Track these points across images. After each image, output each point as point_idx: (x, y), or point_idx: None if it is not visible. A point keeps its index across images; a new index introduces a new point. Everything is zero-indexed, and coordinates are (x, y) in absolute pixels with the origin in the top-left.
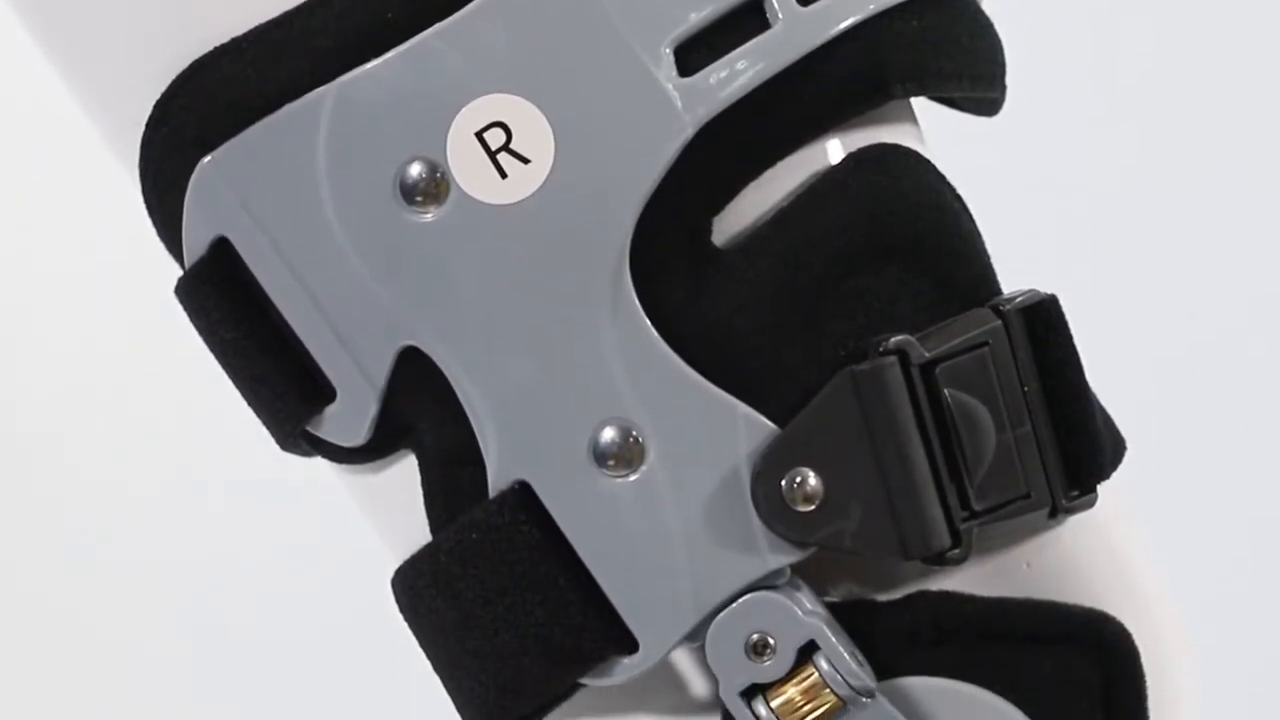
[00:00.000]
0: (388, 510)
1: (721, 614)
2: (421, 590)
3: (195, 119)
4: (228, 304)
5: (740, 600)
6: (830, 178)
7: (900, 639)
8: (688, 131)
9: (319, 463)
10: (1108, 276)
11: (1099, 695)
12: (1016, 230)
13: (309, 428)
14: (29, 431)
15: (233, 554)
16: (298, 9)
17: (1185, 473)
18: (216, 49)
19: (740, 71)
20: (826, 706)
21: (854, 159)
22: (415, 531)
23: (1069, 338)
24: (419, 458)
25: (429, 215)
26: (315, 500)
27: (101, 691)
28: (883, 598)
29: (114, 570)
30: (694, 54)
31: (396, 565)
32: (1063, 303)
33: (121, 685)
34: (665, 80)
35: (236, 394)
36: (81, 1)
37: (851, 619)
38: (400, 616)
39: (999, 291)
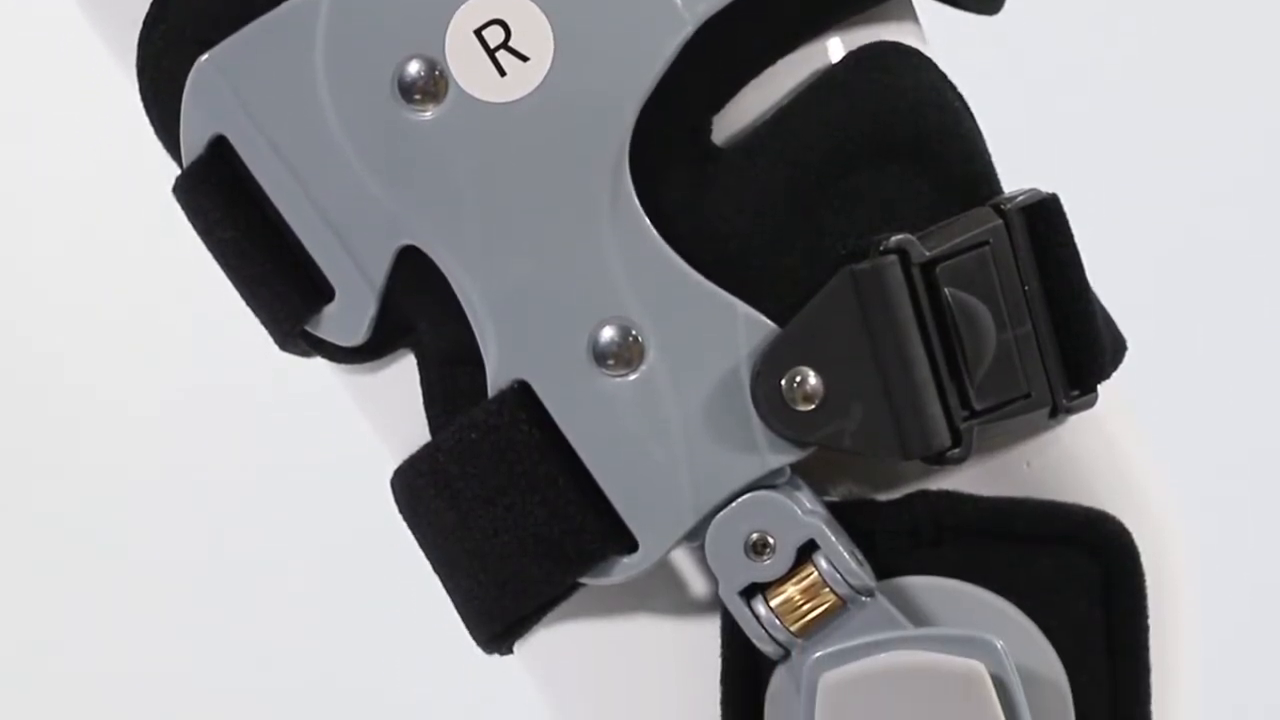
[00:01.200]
0: (386, 410)
1: (721, 513)
2: (420, 490)
3: (193, 16)
4: (226, 203)
5: (740, 500)
6: (831, 76)
7: (900, 538)
8: (687, 29)
9: (319, 366)
10: (1108, 175)
11: (1099, 594)
12: (1016, 129)
13: (308, 327)
14: (30, 347)
15: (233, 469)
16: None
17: (1187, 371)
18: None
19: None
20: (826, 605)
21: (855, 57)
22: (414, 431)
23: (1070, 237)
24: (418, 357)
25: (428, 114)
26: (315, 408)
27: (105, 599)
28: (883, 497)
29: (113, 486)
30: None
31: (395, 466)
32: (1064, 202)
33: (122, 593)
34: None
35: (236, 298)
36: None
37: (851, 518)
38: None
39: (1000, 191)
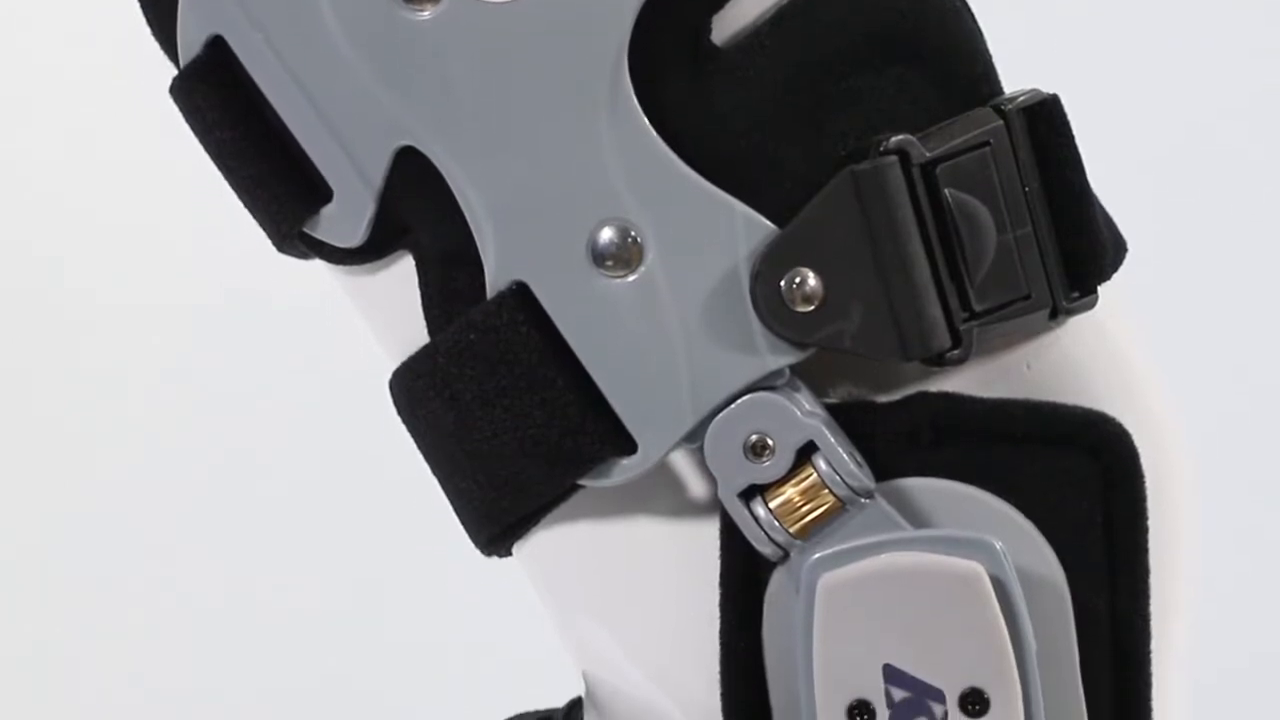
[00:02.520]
0: (385, 312)
1: (720, 415)
2: (419, 392)
3: None
4: (223, 104)
5: (739, 401)
6: None
7: (899, 440)
8: None
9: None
10: (1110, 75)
11: (1098, 495)
12: (1016, 29)
13: (306, 229)
14: (29, 250)
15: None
16: None
17: (1188, 269)
18: None
19: None
20: (825, 507)
21: None
22: (413, 333)
23: (1071, 138)
24: (416, 259)
25: (426, 13)
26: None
27: (104, 502)
28: (882, 399)
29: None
30: None
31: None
32: (1064, 102)
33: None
34: None
35: (235, 200)
36: None
37: (850, 420)
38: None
39: (1000, 91)
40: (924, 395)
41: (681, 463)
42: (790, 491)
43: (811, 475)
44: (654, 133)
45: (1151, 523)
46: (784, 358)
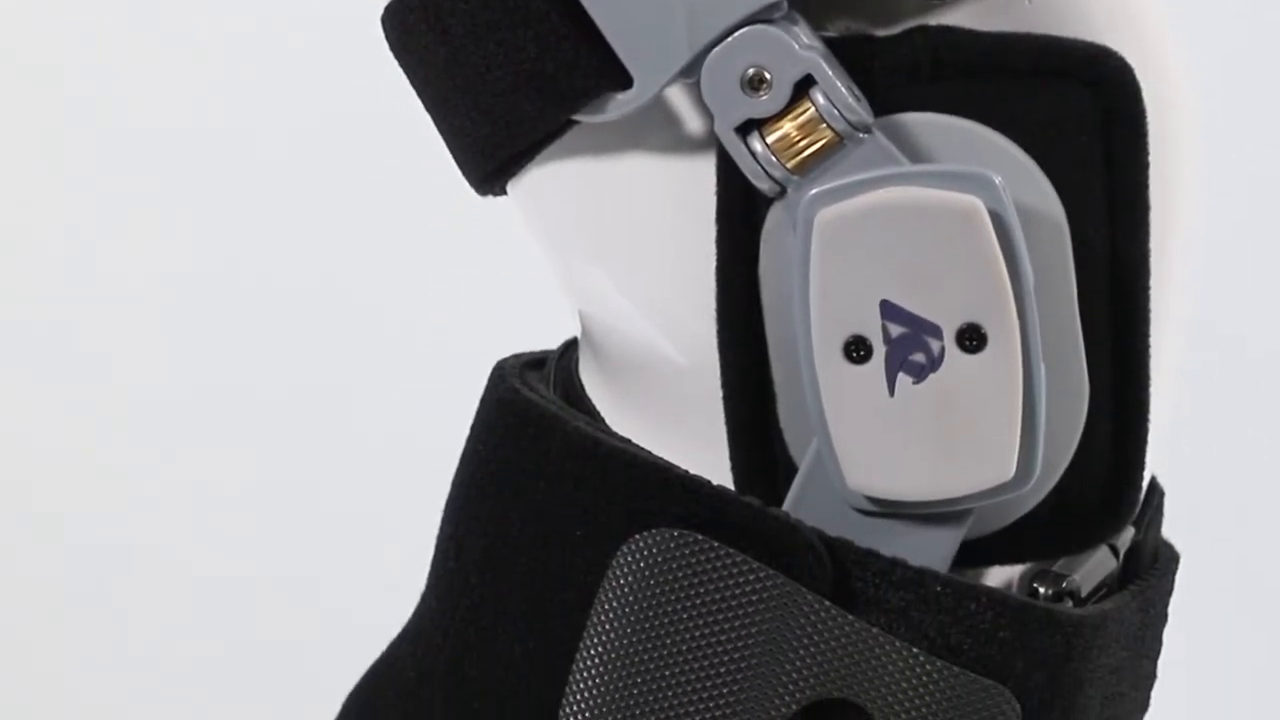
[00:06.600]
0: None
1: (717, 48)
2: (411, 26)
3: None
4: None
5: (736, 33)
6: None
7: (898, 74)
8: None
9: None
10: None
11: (1098, 130)
12: None
13: None
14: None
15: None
16: None
17: None
18: None
19: None
20: (823, 142)
21: None
22: None
23: None
24: None
25: None
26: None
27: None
28: (881, 33)
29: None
30: None
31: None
32: None
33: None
34: None
35: None
36: None
37: (849, 54)
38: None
39: None
40: (923, 28)
41: (678, 98)
42: (788, 126)
43: (809, 109)
44: None
45: (1152, 160)
46: None
